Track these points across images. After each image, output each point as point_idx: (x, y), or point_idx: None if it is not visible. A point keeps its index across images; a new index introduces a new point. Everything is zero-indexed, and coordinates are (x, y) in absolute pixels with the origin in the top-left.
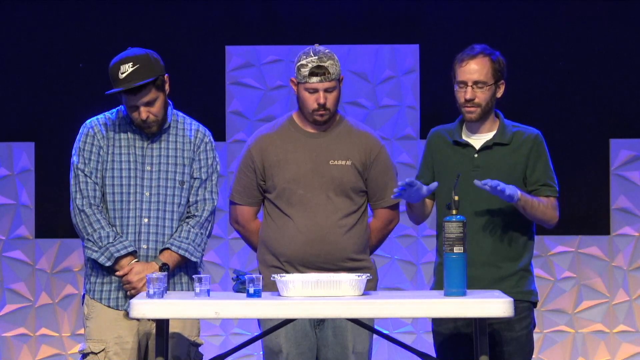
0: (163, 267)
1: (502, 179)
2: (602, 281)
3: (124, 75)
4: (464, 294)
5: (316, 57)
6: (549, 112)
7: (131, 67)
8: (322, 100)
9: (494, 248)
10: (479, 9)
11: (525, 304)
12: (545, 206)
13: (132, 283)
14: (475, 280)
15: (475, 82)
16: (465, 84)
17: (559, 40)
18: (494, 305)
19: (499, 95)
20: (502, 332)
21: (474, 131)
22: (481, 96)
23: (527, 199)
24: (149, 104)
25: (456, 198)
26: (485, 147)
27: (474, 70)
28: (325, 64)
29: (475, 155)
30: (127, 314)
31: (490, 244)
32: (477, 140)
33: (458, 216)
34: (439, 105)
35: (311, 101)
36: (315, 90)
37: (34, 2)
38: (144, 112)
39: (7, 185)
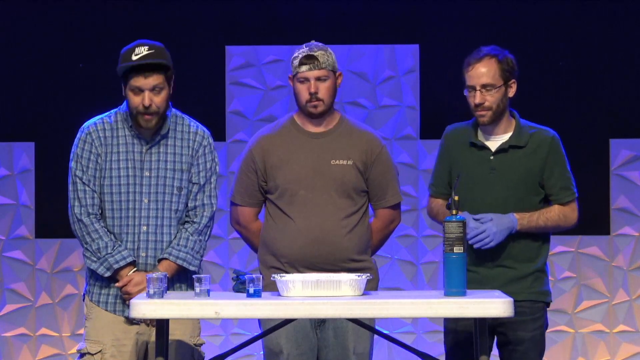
0: None
1: (518, 181)
2: (602, 281)
3: (138, 56)
4: (464, 294)
5: (307, 49)
6: (549, 111)
7: (146, 50)
8: (313, 89)
9: (512, 249)
10: (479, 9)
11: (540, 304)
12: (556, 220)
13: (131, 294)
14: (491, 279)
15: (484, 86)
16: (474, 88)
17: (559, 40)
18: (494, 305)
19: (510, 94)
20: (516, 331)
21: (489, 132)
22: (490, 99)
23: (532, 226)
24: (155, 89)
25: (456, 198)
26: (501, 149)
27: (481, 73)
28: (315, 54)
29: (491, 158)
30: (126, 319)
31: (507, 245)
32: (493, 142)
33: (458, 216)
34: (439, 105)
35: (303, 91)
36: (306, 79)
37: (34, 2)
38: (147, 98)
39: (7, 185)
